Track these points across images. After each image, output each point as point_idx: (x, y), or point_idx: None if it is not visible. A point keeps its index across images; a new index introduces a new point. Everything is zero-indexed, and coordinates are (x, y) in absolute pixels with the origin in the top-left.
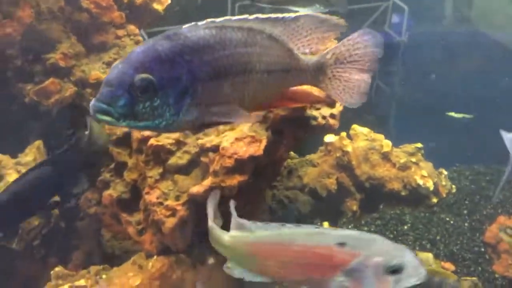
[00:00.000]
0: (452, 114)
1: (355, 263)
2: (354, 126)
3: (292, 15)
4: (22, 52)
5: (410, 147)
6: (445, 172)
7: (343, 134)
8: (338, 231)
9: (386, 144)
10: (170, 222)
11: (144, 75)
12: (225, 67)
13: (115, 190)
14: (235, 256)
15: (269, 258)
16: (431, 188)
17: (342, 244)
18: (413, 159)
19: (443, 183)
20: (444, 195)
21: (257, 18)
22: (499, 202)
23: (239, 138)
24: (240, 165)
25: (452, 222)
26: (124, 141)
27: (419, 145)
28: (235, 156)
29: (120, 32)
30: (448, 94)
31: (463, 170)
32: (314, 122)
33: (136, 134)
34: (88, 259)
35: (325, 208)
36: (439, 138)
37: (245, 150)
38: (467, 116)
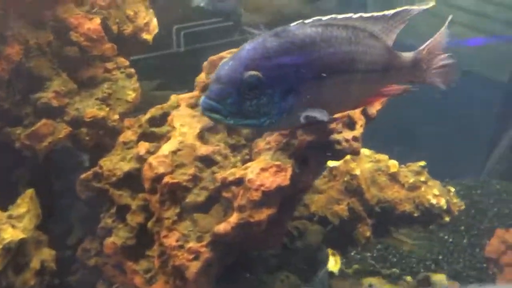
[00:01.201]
0: None
1: None
2: None
3: (392, 11)
4: (9, 93)
5: (415, 166)
6: (453, 189)
7: (347, 157)
8: None
9: (393, 165)
10: (194, 267)
11: (252, 72)
12: (329, 65)
13: (118, 237)
14: None
15: None
16: (445, 207)
17: None
18: (421, 178)
19: (454, 200)
20: (456, 213)
21: (361, 16)
22: (494, 215)
23: (264, 168)
24: (267, 198)
25: (451, 240)
26: (125, 182)
27: (423, 163)
28: (262, 188)
29: (110, 65)
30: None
31: (453, 185)
32: (338, 147)
33: (149, 173)
34: None
35: (337, 236)
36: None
37: (272, 180)
38: None
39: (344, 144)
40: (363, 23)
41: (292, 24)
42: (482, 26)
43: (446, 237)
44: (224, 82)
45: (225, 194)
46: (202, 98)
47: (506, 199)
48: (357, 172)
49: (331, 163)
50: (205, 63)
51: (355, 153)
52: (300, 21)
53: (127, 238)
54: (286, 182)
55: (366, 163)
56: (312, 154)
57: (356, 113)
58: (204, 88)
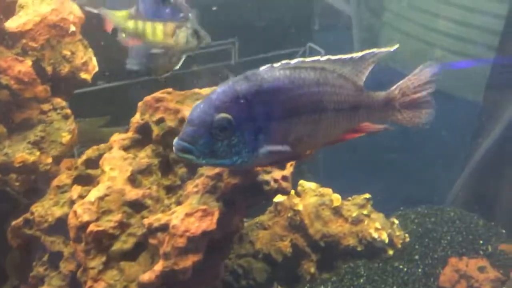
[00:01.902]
0: None
1: None
2: (301, 182)
3: (359, 54)
4: None
5: (359, 199)
6: (397, 221)
7: (292, 191)
8: None
9: (336, 199)
10: None
11: (223, 115)
12: (298, 106)
13: (51, 286)
14: None
15: None
16: (386, 241)
17: None
18: (365, 211)
19: (397, 233)
20: (399, 246)
21: (328, 59)
22: (448, 243)
23: (189, 213)
24: (193, 243)
25: (405, 269)
26: (57, 228)
27: (367, 195)
28: (187, 234)
29: (45, 107)
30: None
31: (408, 213)
32: (266, 187)
33: (74, 221)
34: None
35: (282, 273)
36: (378, 183)
37: (197, 226)
38: None
39: (273, 184)
40: (332, 65)
41: (261, 68)
42: (463, 49)
43: (400, 266)
44: (195, 124)
45: (151, 241)
46: (175, 139)
47: (459, 226)
48: (300, 207)
49: (276, 198)
50: (140, 103)
51: (285, 192)
52: (269, 64)
53: (59, 287)
54: (213, 226)
55: (311, 197)
56: (240, 196)
57: None
58: (138, 129)
